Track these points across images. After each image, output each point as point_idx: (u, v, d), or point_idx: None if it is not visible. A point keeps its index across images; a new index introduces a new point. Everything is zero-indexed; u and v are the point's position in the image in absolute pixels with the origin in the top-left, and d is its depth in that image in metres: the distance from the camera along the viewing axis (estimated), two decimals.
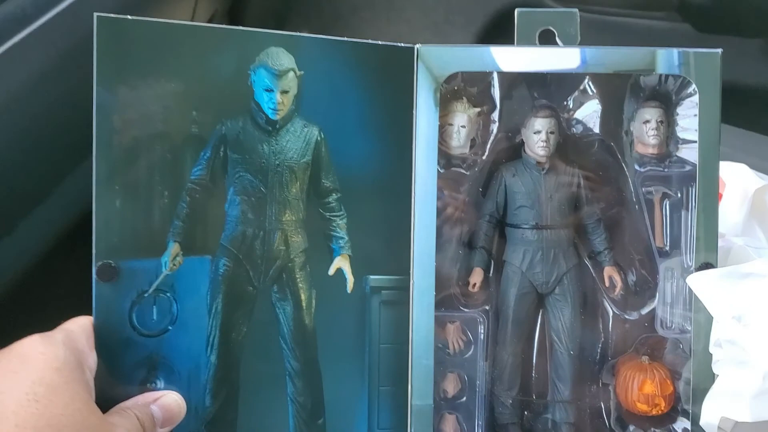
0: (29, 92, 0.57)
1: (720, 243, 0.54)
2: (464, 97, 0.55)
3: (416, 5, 1.23)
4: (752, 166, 0.67)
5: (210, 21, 0.90)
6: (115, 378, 0.46)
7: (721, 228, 0.62)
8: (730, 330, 0.48)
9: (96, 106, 0.44)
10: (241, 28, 0.48)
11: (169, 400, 0.47)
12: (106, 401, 0.44)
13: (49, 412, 0.37)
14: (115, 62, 0.45)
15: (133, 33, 0.45)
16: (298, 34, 0.49)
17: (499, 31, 1.19)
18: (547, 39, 0.54)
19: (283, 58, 0.49)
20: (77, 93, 0.43)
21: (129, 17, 0.44)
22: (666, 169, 0.54)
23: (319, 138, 0.51)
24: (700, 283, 0.51)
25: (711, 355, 0.52)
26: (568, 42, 0.54)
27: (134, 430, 0.43)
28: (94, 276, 0.45)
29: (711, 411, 0.50)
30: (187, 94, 0.47)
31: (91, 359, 0.44)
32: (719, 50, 0.52)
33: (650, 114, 0.54)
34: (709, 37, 1.07)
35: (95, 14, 0.43)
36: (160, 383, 0.48)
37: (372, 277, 0.52)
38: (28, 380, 0.38)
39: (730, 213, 0.64)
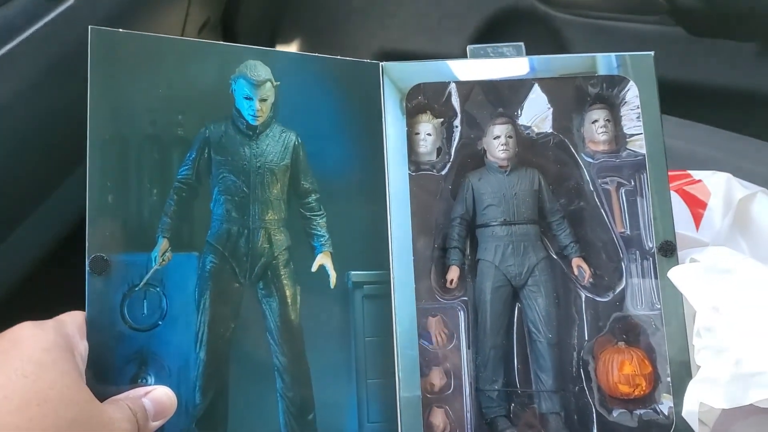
0: (25, 98, 0.60)
1: (699, 252, 0.57)
2: (428, 111, 0.60)
3: (410, 11, 1.26)
4: (743, 170, 0.70)
5: (203, 27, 0.91)
6: (107, 373, 0.47)
7: (706, 237, 0.66)
8: (709, 319, 0.50)
9: (90, 109, 0.48)
10: (221, 42, 0.53)
11: (160, 394, 0.47)
12: (98, 397, 0.44)
13: (37, 387, 0.39)
14: (107, 70, 0.49)
15: (124, 44, 0.50)
16: (273, 49, 0.54)
17: (492, 36, 1.20)
18: None
19: (260, 70, 0.53)
20: (71, 100, 0.47)
21: (121, 30, 0.49)
22: (618, 160, 0.59)
23: (296, 143, 0.55)
24: (680, 276, 0.54)
25: (683, 327, 0.55)
26: None
27: (126, 419, 0.44)
28: (87, 269, 0.47)
29: (691, 399, 0.51)
30: (173, 100, 0.51)
31: (82, 346, 0.45)
32: (651, 52, 0.59)
33: (597, 114, 0.60)
34: (702, 40, 1.08)
35: (90, 27, 0.48)
36: (151, 380, 0.48)
37: (354, 272, 0.54)
38: (18, 359, 0.40)
39: (715, 221, 0.66)
